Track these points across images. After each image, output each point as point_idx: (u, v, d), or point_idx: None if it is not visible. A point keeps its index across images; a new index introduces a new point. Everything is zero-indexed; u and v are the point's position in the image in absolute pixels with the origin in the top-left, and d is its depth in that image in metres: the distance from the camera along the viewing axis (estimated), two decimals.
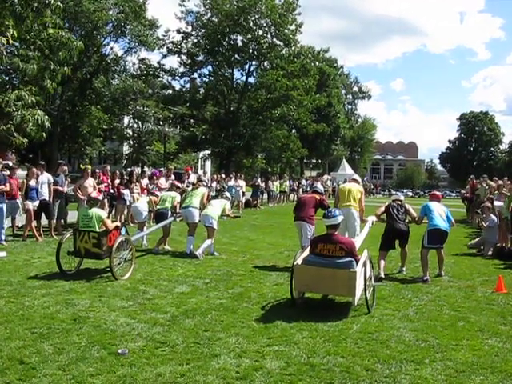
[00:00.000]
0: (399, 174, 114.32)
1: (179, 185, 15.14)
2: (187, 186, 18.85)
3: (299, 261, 7.60)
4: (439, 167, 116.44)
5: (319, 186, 12.93)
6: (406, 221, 10.48)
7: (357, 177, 12.54)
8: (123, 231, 9.90)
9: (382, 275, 9.62)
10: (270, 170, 59.62)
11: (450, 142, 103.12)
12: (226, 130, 43.79)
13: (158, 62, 44.18)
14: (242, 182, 27.70)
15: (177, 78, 45.10)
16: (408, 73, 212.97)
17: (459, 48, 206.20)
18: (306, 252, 7.92)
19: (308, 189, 35.77)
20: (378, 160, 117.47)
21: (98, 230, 9.33)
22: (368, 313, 7.25)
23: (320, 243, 7.52)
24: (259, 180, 31.63)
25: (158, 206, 12.91)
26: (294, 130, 56.21)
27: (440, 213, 10.14)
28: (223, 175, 28.52)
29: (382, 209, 10.62)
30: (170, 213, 12.60)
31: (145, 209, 13.50)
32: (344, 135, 75.02)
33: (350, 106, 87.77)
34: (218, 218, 12.26)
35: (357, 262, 7.28)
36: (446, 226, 10.07)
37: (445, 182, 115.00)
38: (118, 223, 10.36)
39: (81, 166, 16.39)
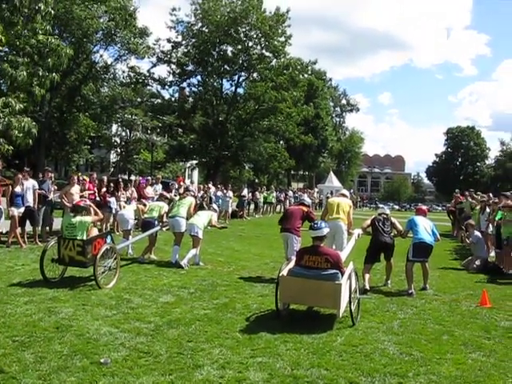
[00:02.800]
0: (386, 186, 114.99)
1: (167, 195, 15.08)
2: (175, 195, 18.81)
3: (285, 272, 7.59)
4: (426, 181, 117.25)
5: (306, 199, 12.93)
6: (392, 234, 10.52)
7: (345, 192, 12.60)
8: (108, 239, 9.86)
9: (368, 288, 9.65)
10: (257, 180, 59.67)
11: (436, 155, 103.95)
12: (214, 140, 43.83)
13: (148, 71, 44.18)
14: (230, 193, 27.79)
15: (166, 87, 45.10)
16: (395, 87, 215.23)
17: (446, 63, 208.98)
18: (292, 263, 7.90)
19: (294, 200, 35.99)
20: (365, 173, 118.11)
21: (82, 237, 9.30)
22: (352, 325, 7.24)
23: (306, 255, 7.54)
24: (245, 190, 31.63)
25: (145, 215, 12.89)
26: (281, 142, 56.36)
27: (425, 227, 10.20)
28: (210, 185, 28.50)
29: (368, 222, 10.69)
30: (156, 222, 12.56)
31: (131, 217, 13.44)
32: (331, 147, 75.27)
33: (338, 119, 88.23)
34: (203, 228, 12.23)
35: (342, 275, 7.30)
36: (431, 239, 10.11)
37: (431, 195, 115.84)
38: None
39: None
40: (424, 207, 11.63)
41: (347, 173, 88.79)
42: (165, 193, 15.17)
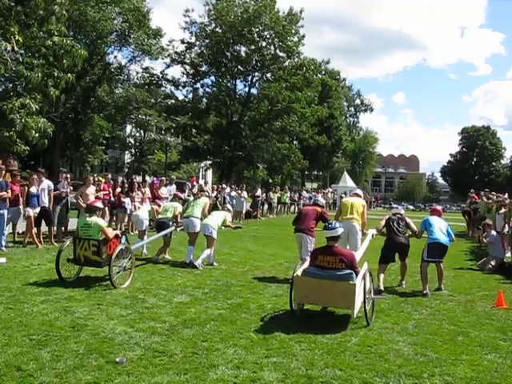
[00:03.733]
0: (400, 187, 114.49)
1: (181, 195, 15.22)
2: (188, 196, 18.90)
3: (299, 272, 7.62)
4: (440, 181, 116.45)
5: (320, 199, 12.89)
6: (407, 234, 10.50)
7: (359, 191, 12.68)
8: (123, 240, 9.98)
9: (382, 288, 9.65)
10: (271, 180, 59.65)
11: (451, 155, 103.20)
12: (227, 140, 43.86)
13: (161, 72, 44.33)
14: (245, 193, 27.92)
15: (180, 87, 45.22)
16: (409, 86, 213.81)
17: (460, 63, 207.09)
18: (306, 264, 7.92)
19: (308, 201, 35.89)
20: (379, 173, 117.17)
21: (97, 238, 9.37)
22: (367, 325, 7.24)
23: (320, 255, 7.59)
24: (259, 191, 31.67)
25: (160, 216, 12.99)
26: (295, 142, 56.25)
27: (440, 227, 10.19)
28: (224, 185, 28.55)
29: (383, 222, 10.66)
30: (171, 222, 12.64)
31: (146, 217, 13.54)
32: (345, 148, 74.87)
33: (351, 119, 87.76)
34: (217, 228, 12.28)
35: (356, 275, 7.30)
36: (446, 239, 10.09)
37: (446, 195, 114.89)
38: (118, 231, 10.53)
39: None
40: (439, 207, 11.54)
41: (361, 173, 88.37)
42: (179, 193, 15.30)
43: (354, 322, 7.38)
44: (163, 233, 12.31)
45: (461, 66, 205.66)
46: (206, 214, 12.71)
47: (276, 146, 45.34)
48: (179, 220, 12.86)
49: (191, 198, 15.37)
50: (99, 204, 10.34)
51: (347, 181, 47.87)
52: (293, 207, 35.78)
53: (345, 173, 51.51)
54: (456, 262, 13.98)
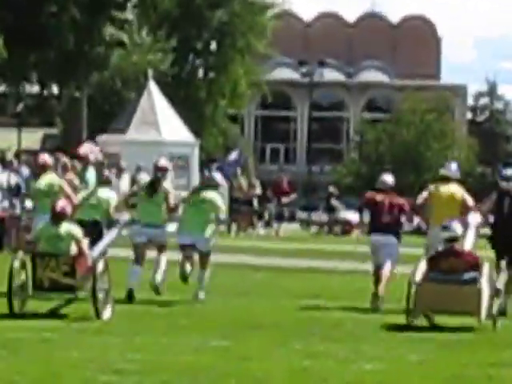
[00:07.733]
0: (369, 140, 55.77)
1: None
2: None
3: (418, 278, 8.65)
4: None
5: (388, 179, 10.86)
6: None
7: (453, 168, 11.04)
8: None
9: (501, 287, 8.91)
10: None
11: None
12: None
13: None
14: None
15: None
16: None
17: None
18: (423, 269, 8.77)
19: None
20: (295, 84, 60.57)
21: (70, 253, 9.21)
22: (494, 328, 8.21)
23: (442, 258, 8.84)
24: None
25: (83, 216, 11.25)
26: None
27: None
28: None
29: (494, 197, 10.19)
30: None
31: None
32: None
33: None
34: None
35: (481, 276, 8.52)
36: None
37: None
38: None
39: None
40: None
41: (215, 87, 46.34)
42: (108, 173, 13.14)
43: None
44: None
45: None
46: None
47: None
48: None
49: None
50: (69, 208, 9.81)
51: (159, 119, 25.55)
52: None
53: (149, 85, 27.26)
54: None
